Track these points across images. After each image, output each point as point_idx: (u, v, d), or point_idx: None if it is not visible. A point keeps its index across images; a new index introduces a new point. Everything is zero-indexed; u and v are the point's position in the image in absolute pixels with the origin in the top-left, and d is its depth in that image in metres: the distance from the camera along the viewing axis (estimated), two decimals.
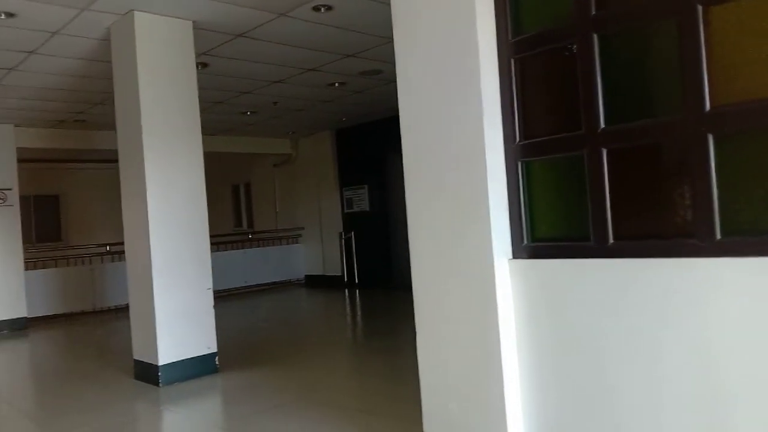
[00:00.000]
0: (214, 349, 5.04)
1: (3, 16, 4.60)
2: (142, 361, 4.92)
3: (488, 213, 2.43)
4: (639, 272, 2.10)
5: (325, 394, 4.36)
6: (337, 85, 7.53)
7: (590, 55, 2.27)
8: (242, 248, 11.51)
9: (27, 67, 5.97)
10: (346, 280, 10.95)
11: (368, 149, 10.55)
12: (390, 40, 5.71)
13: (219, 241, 10.33)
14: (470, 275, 2.50)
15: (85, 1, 4.44)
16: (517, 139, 2.49)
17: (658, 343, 2.04)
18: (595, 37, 2.26)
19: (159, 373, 4.70)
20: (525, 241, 2.46)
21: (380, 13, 5.09)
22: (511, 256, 2.47)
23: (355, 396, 4.35)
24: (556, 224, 2.49)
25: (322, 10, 4.94)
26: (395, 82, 7.42)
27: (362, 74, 7.11)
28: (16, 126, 8.73)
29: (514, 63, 2.51)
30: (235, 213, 14.01)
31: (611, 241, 2.21)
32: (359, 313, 8.86)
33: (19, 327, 8.51)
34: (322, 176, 11.43)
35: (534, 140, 2.46)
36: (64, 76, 6.37)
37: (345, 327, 7.71)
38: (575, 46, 2.32)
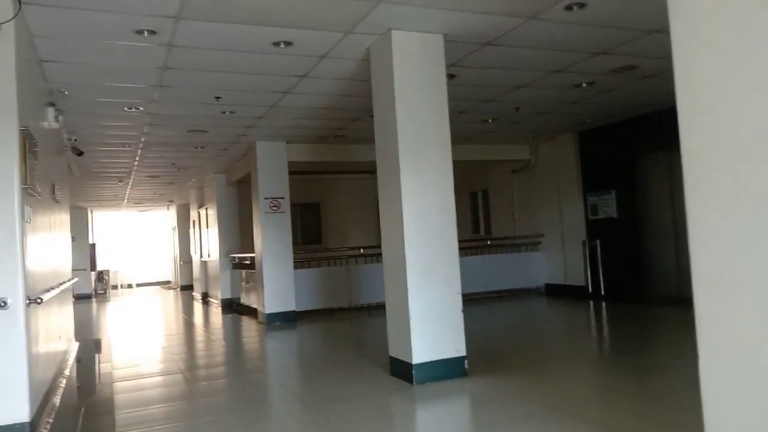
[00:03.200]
0: (463, 352, 5.13)
1: (282, 45, 5.25)
2: (397, 359, 5.21)
3: None
4: None
5: (575, 408, 4.15)
6: (584, 85, 7.20)
7: None
8: (480, 254, 11.63)
9: (298, 90, 6.73)
10: (590, 290, 10.39)
11: (616, 152, 9.89)
12: (648, 32, 5.38)
13: (458, 247, 10.53)
14: None
15: (349, 25, 4.87)
16: None
17: None
18: None
19: (413, 372, 4.93)
20: None
21: (639, 5, 4.74)
22: None
23: (607, 413, 4.07)
24: None
25: (575, 8, 4.75)
26: (652, 77, 6.90)
27: (613, 72, 6.69)
28: (287, 143, 9.96)
29: None
30: (473, 219, 14.21)
31: None
32: (606, 326, 8.32)
33: (289, 319, 9.67)
34: (563, 181, 11.03)
35: None
36: (328, 96, 7.06)
37: (591, 340, 7.30)
38: None
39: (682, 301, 7.48)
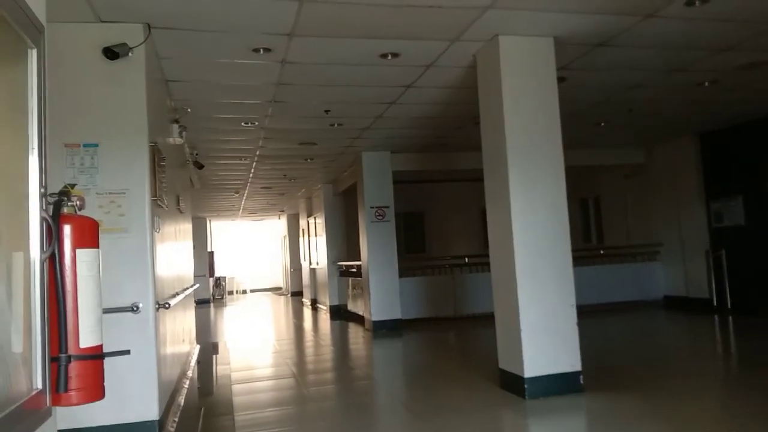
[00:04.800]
0: (578, 367, 4.92)
1: (389, 57, 5.31)
2: (508, 371, 5.08)
3: None
4: None
5: (700, 430, 3.85)
6: (707, 84, 6.73)
7: None
8: (593, 264, 11.14)
9: (404, 100, 6.79)
10: (715, 303, 9.65)
11: (744, 154, 9.15)
12: None
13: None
14: None
15: (455, 33, 4.84)
16: None
17: None
18: None
19: (525, 386, 4.79)
20: None
21: None
22: None
23: None
24: None
25: (697, 3, 4.45)
26: None
27: (740, 68, 6.20)
28: (392, 152, 10.07)
29: None
30: (584, 228, 13.66)
31: None
32: (733, 342, 7.69)
33: (395, 327, 9.73)
34: (681, 187, 10.34)
35: None
36: (433, 105, 7.06)
37: (716, 357, 6.77)
38: None
39: None
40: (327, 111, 7.04)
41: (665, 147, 10.64)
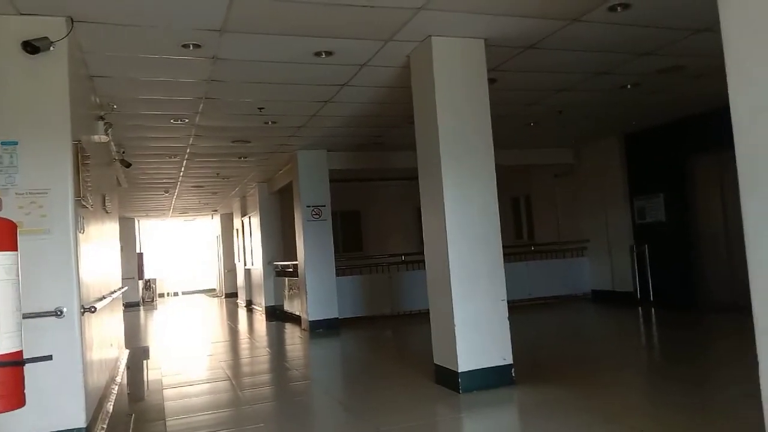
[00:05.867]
0: (509, 360, 5.06)
1: (324, 55, 5.29)
2: (443, 367, 5.17)
3: None
4: None
5: (630, 420, 4.04)
6: (629, 86, 7.05)
7: None
8: (524, 260, 11.47)
9: (339, 99, 6.78)
10: (638, 296, 10.13)
11: (663, 153, 9.64)
12: (696, 31, 5.24)
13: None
14: None
15: (389, 33, 4.88)
16: None
17: None
18: None
19: (459, 380, 4.88)
20: None
21: (685, 4, 4.64)
22: None
23: (666, 426, 3.93)
24: None
25: (619, 9, 4.65)
26: (701, 77, 6.71)
27: (660, 72, 6.52)
28: (328, 151, 10.04)
29: None
30: (516, 225, 14.04)
31: None
32: (656, 334, 8.09)
33: (332, 327, 9.71)
34: (607, 185, 10.79)
35: None
36: (368, 104, 7.09)
37: (641, 349, 7.11)
38: None
39: (737, 308, 7.20)
40: (260, 109, 6.94)
41: (592, 147, 11.07)
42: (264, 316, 13.05)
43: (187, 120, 7.20)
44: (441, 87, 5.06)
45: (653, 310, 9.54)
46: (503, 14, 4.65)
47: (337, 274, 10.14)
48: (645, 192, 10.06)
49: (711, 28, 5.08)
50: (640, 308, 9.76)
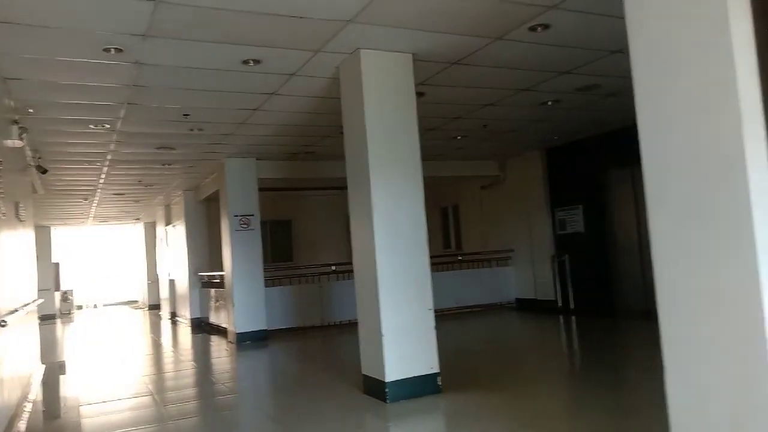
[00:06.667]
0: (436, 369, 5.14)
1: (251, 63, 5.25)
2: (370, 377, 5.19)
3: (753, 237, 2.14)
4: None
5: (551, 425, 4.19)
6: (550, 103, 7.35)
7: None
8: (452, 269, 11.69)
9: (268, 107, 6.73)
10: (560, 304, 10.52)
11: (582, 167, 10.09)
12: (611, 52, 5.55)
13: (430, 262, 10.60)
14: (733, 309, 2.22)
15: (318, 44, 4.90)
16: None
17: None
18: None
19: (386, 390, 4.92)
20: None
21: (600, 27, 4.89)
22: None
23: (584, 429, 4.11)
24: None
25: (539, 29, 4.86)
26: (616, 95, 7.06)
27: (578, 90, 6.85)
28: (257, 159, 9.91)
29: None
30: (444, 235, 14.29)
31: None
32: (576, 340, 8.43)
33: (260, 338, 9.55)
34: (531, 197, 11.18)
35: None
36: (298, 113, 7.06)
37: (562, 355, 7.39)
38: None
39: (650, 315, 7.61)
40: (186, 115, 6.79)
41: (517, 160, 11.45)
42: (189, 328, 12.68)
43: (108, 125, 6.94)
44: (370, 99, 5.12)
45: (573, 317, 9.93)
46: (430, 30, 4.76)
47: (266, 285, 10.00)
48: (565, 204, 10.49)
49: (623, 50, 5.36)
50: (561, 316, 10.14)
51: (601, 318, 9.36)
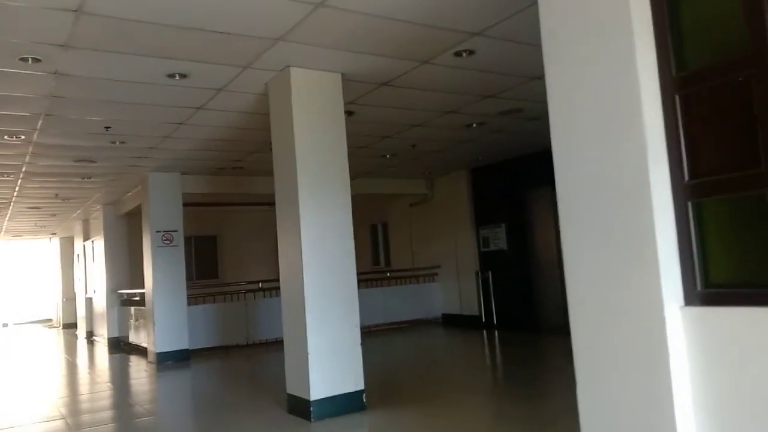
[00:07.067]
0: (361, 386, 5.16)
1: (177, 77, 5.17)
2: (295, 396, 5.15)
3: (656, 256, 2.31)
4: None
5: None
6: (475, 125, 7.59)
7: None
8: (380, 286, 11.77)
9: (194, 122, 6.62)
10: (484, 320, 10.78)
11: (505, 187, 10.44)
12: (531, 78, 5.81)
13: (358, 279, 10.59)
14: (638, 323, 2.38)
15: (246, 60, 4.89)
16: (686, 177, 2.37)
17: None
18: None
19: (311, 408, 4.89)
20: (698, 287, 2.31)
21: (522, 54, 5.11)
22: (682, 303, 2.32)
23: None
24: (734, 269, 2.31)
25: (464, 54, 5.04)
26: (537, 119, 7.37)
27: (502, 114, 7.11)
28: (182, 174, 9.68)
29: (679, 99, 2.40)
30: (373, 251, 14.38)
31: None
32: (499, 355, 8.66)
33: (182, 358, 9.26)
34: (457, 215, 11.45)
35: (705, 179, 2.33)
36: (226, 128, 6.98)
37: (486, 370, 7.57)
38: (751, 79, 2.18)
39: (568, 329, 7.92)
40: (107, 128, 6.58)
41: (444, 179, 11.72)
42: (106, 348, 12.14)
43: (23, 137, 6.62)
44: (299, 116, 5.14)
45: (496, 332, 10.20)
46: (359, 52, 4.84)
47: (189, 303, 9.73)
48: (489, 222, 10.81)
49: (543, 76, 5.65)
50: (484, 331, 10.38)
51: (523, 332, 9.65)
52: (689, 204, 2.36)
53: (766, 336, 2.07)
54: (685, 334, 2.29)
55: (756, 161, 2.17)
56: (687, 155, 2.39)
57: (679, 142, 2.40)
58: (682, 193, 2.37)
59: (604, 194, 2.53)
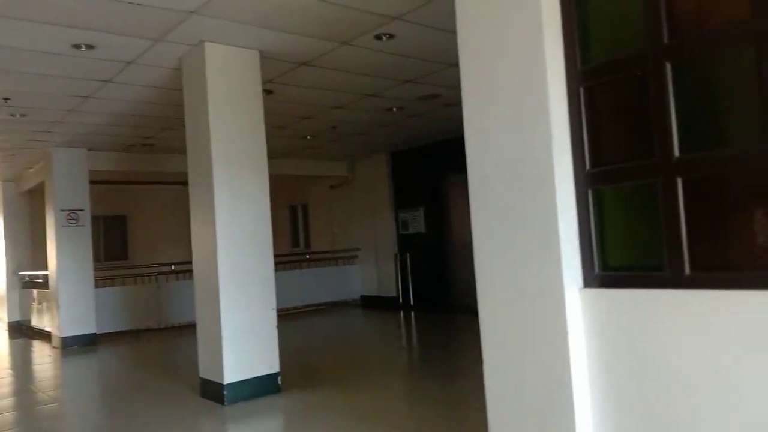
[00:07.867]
0: (276, 369, 5.13)
1: (83, 48, 4.89)
2: (208, 380, 5.06)
3: (558, 240, 2.42)
4: (719, 305, 2.05)
5: (387, 418, 4.37)
6: (395, 109, 7.64)
7: (663, 84, 2.25)
8: (299, 268, 11.71)
9: (102, 95, 6.30)
10: (401, 301, 10.96)
11: (424, 171, 10.61)
12: (449, 65, 5.89)
13: (277, 261, 10.45)
14: (540, 304, 2.49)
15: (159, 32, 4.68)
16: (587, 166, 2.49)
17: (742, 380, 1.99)
18: (668, 65, 2.24)
19: (224, 392, 4.82)
20: (596, 270, 2.44)
21: (440, 41, 5.18)
22: (581, 285, 2.44)
23: (417, 420, 4.35)
24: (628, 253, 2.45)
25: (384, 38, 5.05)
26: (453, 105, 7.50)
27: (421, 99, 7.19)
28: (89, 150, 9.19)
29: (583, 91, 2.51)
30: (293, 233, 14.26)
31: (687, 271, 2.17)
32: (415, 335, 8.84)
33: (89, 343, 8.87)
34: (377, 198, 11.54)
35: (605, 168, 2.45)
36: (136, 103, 6.68)
37: (402, 350, 7.71)
38: (647, 74, 2.31)
39: None
40: (6, 99, 6.15)
41: (365, 162, 11.75)
42: (7, 332, 11.44)
43: None
44: (214, 93, 4.99)
45: (413, 313, 10.40)
46: (277, 29, 4.75)
47: (97, 285, 9.32)
48: (408, 205, 10.96)
49: (458, 64, 5.76)
50: (402, 312, 10.57)
51: (438, 313, 9.88)
52: (590, 192, 2.48)
53: (655, 316, 2.22)
54: (583, 315, 2.42)
55: (650, 152, 2.30)
56: (589, 145, 2.50)
57: (582, 132, 2.51)
58: (584, 181, 2.49)
59: (512, 181, 2.61)
